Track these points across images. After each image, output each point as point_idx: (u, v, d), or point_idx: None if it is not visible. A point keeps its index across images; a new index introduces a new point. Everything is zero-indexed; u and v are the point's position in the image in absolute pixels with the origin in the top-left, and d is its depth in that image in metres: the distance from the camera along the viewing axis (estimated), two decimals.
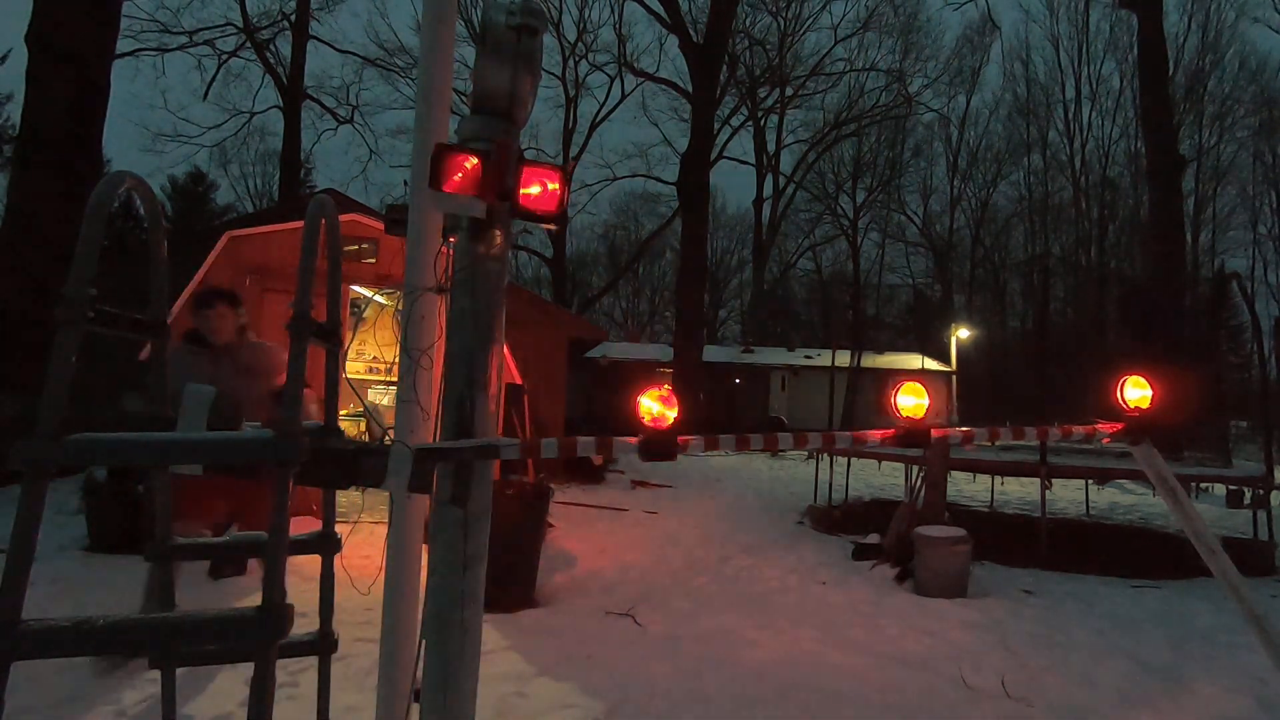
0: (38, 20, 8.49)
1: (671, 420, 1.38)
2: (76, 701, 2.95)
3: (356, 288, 7.33)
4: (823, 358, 29.68)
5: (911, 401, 1.58)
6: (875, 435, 1.54)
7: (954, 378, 29.73)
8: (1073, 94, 36.16)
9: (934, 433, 1.55)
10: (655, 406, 1.38)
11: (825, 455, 9.83)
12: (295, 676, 3.13)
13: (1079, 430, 1.68)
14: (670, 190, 31.21)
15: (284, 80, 25.81)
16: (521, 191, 1.37)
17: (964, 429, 1.67)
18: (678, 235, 27.91)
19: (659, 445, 1.35)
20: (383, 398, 9.49)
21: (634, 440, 1.37)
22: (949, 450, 6.91)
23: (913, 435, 1.52)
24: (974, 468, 9.60)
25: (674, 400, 1.40)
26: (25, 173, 8.55)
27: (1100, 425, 1.68)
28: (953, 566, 5.46)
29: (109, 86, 9.00)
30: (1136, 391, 1.68)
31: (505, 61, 1.36)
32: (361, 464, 1.33)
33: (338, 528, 1.78)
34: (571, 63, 32.62)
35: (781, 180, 36.70)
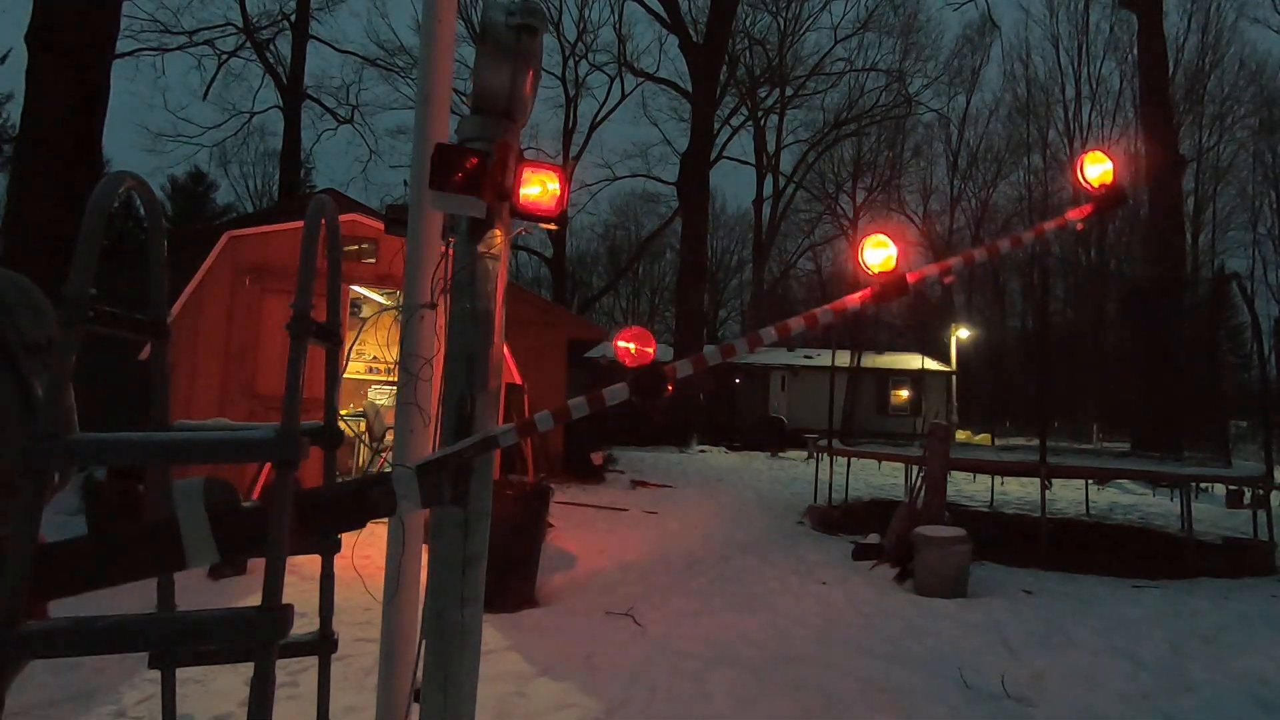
0: (38, 20, 8.49)
1: (651, 354, 1.44)
2: (76, 701, 2.95)
3: (356, 288, 7.33)
4: (823, 358, 29.61)
5: (880, 255, 1.46)
6: (854, 300, 1.46)
7: (954, 378, 29.73)
8: (1073, 94, 36.20)
9: (909, 277, 1.45)
10: (633, 346, 1.46)
11: (825, 455, 9.82)
12: (295, 676, 3.13)
13: (1050, 226, 1.62)
14: (670, 190, 31.22)
15: (284, 80, 25.80)
16: (521, 191, 1.37)
17: (940, 263, 1.52)
18: (678, 235, 27.94)
19: (647, 379, 1.37)
20: (382, 397, 9.47)
21: (623, 385, 1.38)
22: (949, 450, 6.91)
23: (889, 288, 1.43)
24: (974, 468, 9.59)
25: (650, 338, 1.47)
26: (25, 172, 8.55)
27: (1070, 214, 1.62)
28: (953, 566, 5.46)
29: (109, 86, 9.00)
30: (1096, 168, 1.57)
31: (505, 61, 1.36)
32: (369, 497, 1.32)
33: None
34: (571, 63, 32.59)
35: (781, 180, 36.71)
